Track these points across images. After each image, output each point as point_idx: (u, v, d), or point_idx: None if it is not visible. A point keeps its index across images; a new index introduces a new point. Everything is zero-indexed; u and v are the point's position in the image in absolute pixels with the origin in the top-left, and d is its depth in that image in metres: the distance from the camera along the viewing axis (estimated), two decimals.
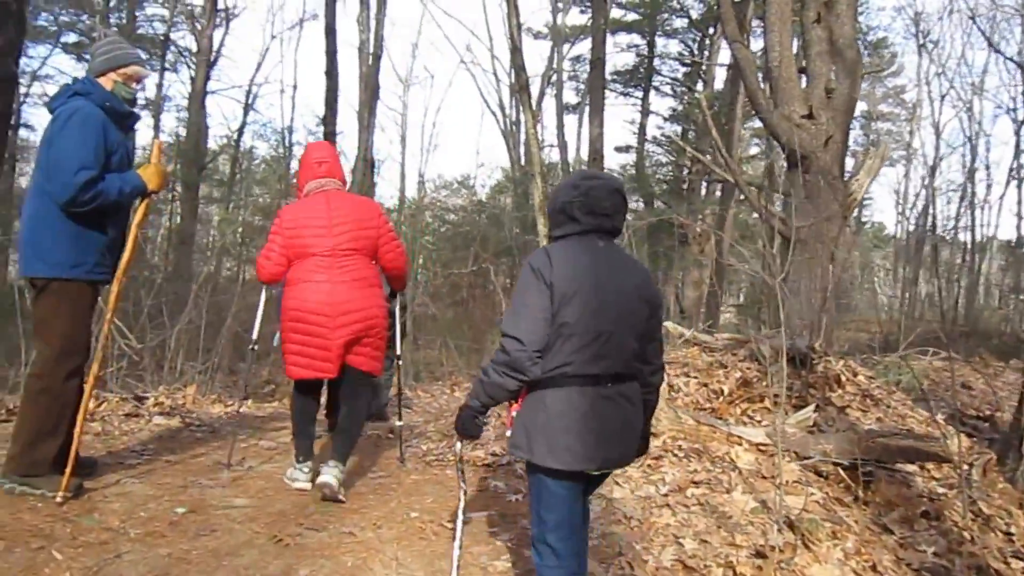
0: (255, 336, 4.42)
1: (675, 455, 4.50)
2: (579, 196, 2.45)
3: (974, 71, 44.57)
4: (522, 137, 24.68)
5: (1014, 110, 22.19)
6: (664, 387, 4.37)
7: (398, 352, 4.74)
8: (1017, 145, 21.65)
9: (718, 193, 21.31)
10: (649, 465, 4.40)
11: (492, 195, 25.97)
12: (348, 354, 3.78)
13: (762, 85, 8.55)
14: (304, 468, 3.93)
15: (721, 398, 5.38)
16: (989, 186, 24.35)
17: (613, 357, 2.38)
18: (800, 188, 8.50)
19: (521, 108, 11.10)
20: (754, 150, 24.12)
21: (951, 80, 33.38)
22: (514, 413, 2.49)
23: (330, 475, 3.69)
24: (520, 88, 10.48)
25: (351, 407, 3.92)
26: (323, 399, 4.51)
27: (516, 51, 10.64)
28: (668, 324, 6.86)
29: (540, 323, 2.32)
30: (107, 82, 3.37)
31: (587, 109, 25.69)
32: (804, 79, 8.70)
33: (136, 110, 3.55)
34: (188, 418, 5.41)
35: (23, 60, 18.00)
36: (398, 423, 4.80)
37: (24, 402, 3.33)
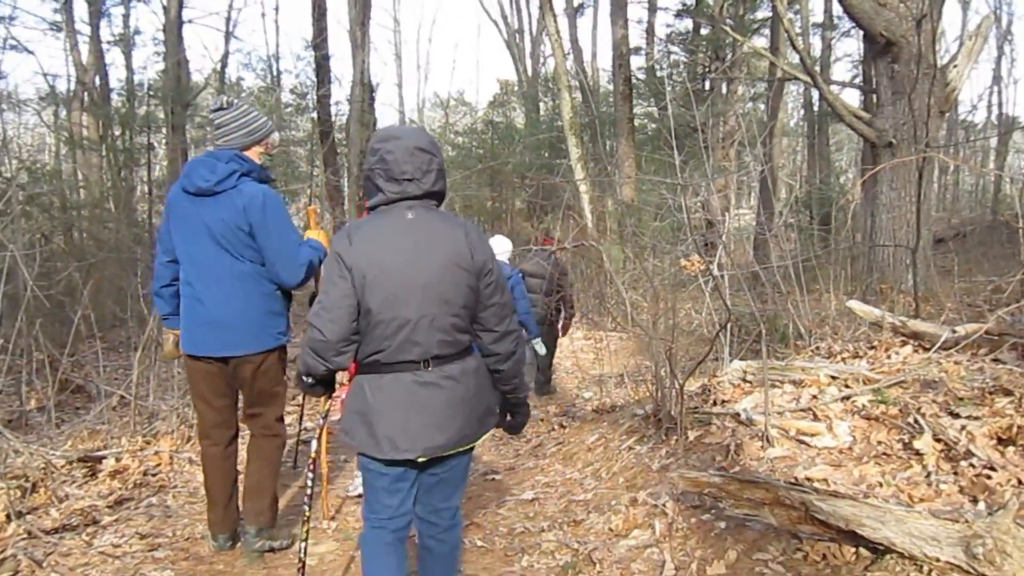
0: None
1: None
2: (377, 162, 2.25)
3: None
4: (527, 48, 22.96)
5: None
6: (930, 443, 3.05)
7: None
8: None
9: (741, 91, 19.77)
10: None
11: (490, 110, 24.33)
12: None
13: None
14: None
15: None
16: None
17: (426, 342, 2.25)
18: (888, 81, 7.25)
19: (542, 13, 9.63)
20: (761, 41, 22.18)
21: None
22: (344, 395, 2.43)
23: None
24: None
25: None
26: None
27: None
28: (853, 305, 5.02)
29: (343, 313, 2.21)
30: (254, 155, 3.40)
31: (589, 11, 23.90)
32: None
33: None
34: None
35: None
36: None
37: (259, 459, 3.52)
